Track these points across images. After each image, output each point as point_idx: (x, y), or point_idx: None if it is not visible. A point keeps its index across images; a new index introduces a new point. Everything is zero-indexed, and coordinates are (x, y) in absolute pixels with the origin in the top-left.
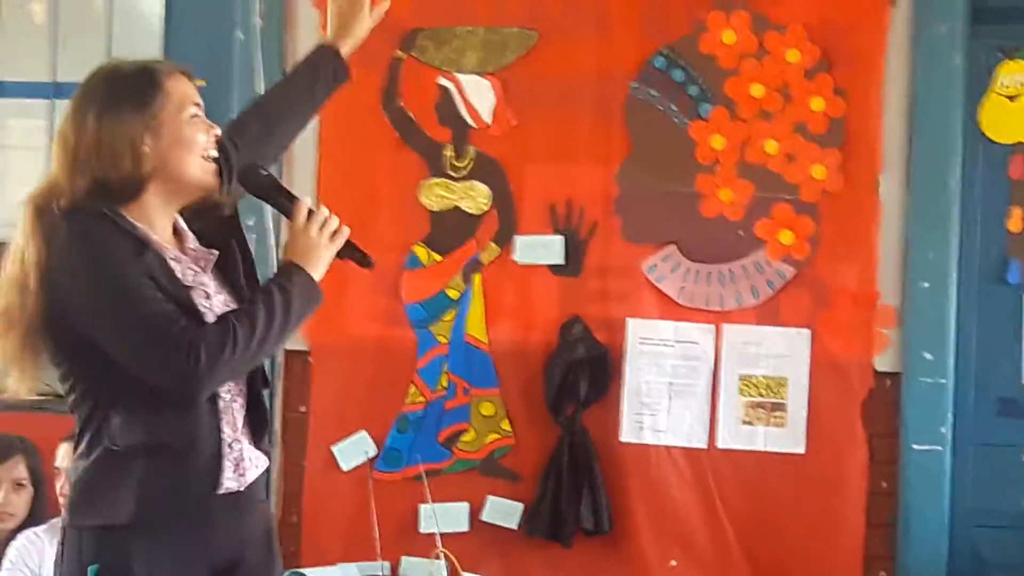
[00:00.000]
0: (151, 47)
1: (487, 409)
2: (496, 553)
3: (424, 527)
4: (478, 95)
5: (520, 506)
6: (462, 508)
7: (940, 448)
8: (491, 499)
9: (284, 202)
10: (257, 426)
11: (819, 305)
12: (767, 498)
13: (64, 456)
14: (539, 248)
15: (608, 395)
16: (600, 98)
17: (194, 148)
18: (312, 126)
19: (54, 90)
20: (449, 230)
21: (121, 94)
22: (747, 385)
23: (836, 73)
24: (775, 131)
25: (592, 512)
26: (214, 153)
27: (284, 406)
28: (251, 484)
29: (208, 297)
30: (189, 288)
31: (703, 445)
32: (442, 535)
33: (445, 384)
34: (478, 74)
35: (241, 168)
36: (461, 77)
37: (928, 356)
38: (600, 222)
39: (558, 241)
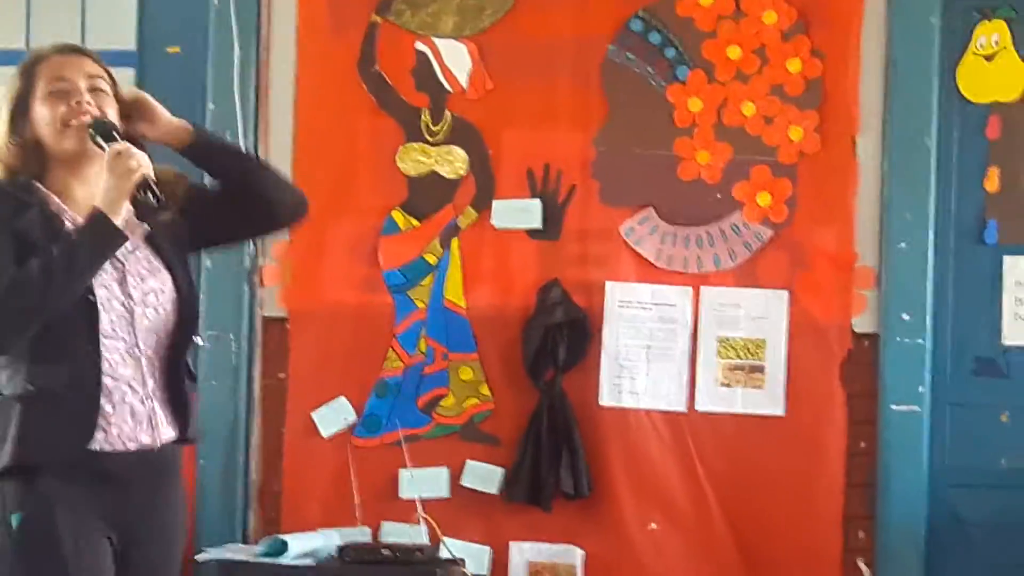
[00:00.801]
0: (126, 13)
1: (466, 374)
2: (476, 517)
3: (404, 492)
4: (454, 59)
5: (500, 471)
6: (442, 473)
7: (918, 408)
8: (470, 464)
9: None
10: (173, 395)
11: (797, 267)
12: (747, 460)
13: None
14: (517, 212)
15: (587, 359)
16: (577, 61)
17: (50, 124)
18: (288, 92)
19: None
20: (426, 195)
21: (7, 89)
22: (725, 347)
23: (813, 34)
24: (752, 93)
25: (572, 476)
26: (85, 120)
27: (263, 373)
28: (167, 448)
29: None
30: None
31: (682, 408)
32: (422, 500)
33: (424, 349)
34: (454, 38)
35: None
36: (438, 41)
37: (906, 317)
38: (578, 186)
39: (536, 205)
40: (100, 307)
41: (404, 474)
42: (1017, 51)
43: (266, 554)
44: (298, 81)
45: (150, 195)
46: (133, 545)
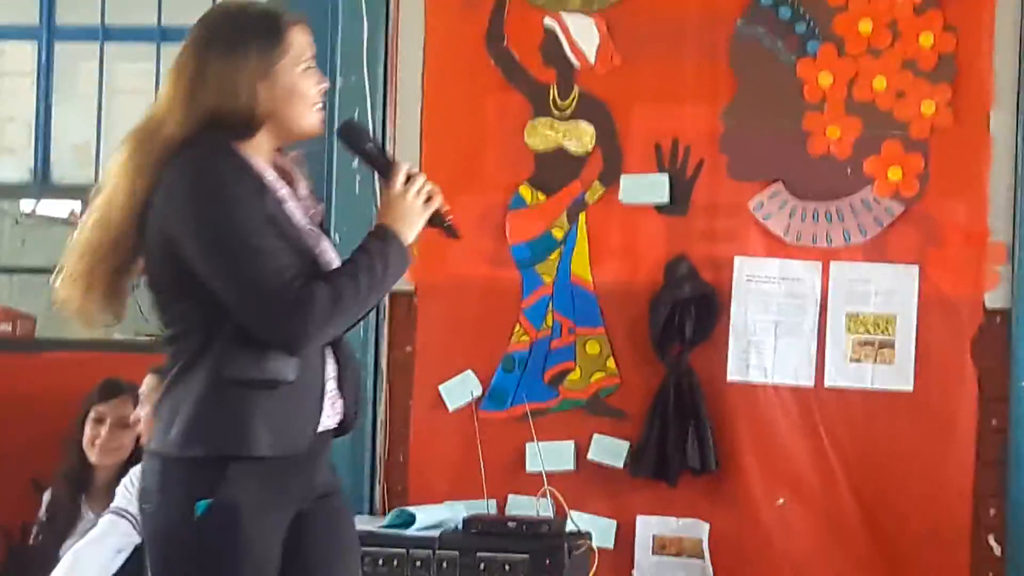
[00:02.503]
0: None
1: (592, 348)
2: (602, 491)
3: (530, 466)
4: (582, 34)
5: (626, 445)
6: (568, 447)
7: None
8: (597, 438)
9: (383, 162)
10: (342, 378)
11: (928, 242)
12: (875, 436)
13: (149, 385)
14: (644, 187)
15: (714, 334)
16: (705, 36)
17: (305, 99)
18: (417, 68)
19: (161, 34)
20: (554, 170)
21: (246, 35)
22: (854, 323)
23: (946, 8)
24: (884, 67)
25: (698, 451)
26: (320, 104)
27: (390, 346)
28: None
29: (320, 241)
30: (302, 231)
31: (810, 383)
32: (548, 474)
33: (550, 324)
34: (582, 13)
35: (344, 122)
36: (565, 17)
37: None
38: (706, 160)
39: (663, 180)
40: None
41: (530, 448)
42: None
43: (393, 525)
44: (426, 57)
45: (449, 228)
46: (313, 506)
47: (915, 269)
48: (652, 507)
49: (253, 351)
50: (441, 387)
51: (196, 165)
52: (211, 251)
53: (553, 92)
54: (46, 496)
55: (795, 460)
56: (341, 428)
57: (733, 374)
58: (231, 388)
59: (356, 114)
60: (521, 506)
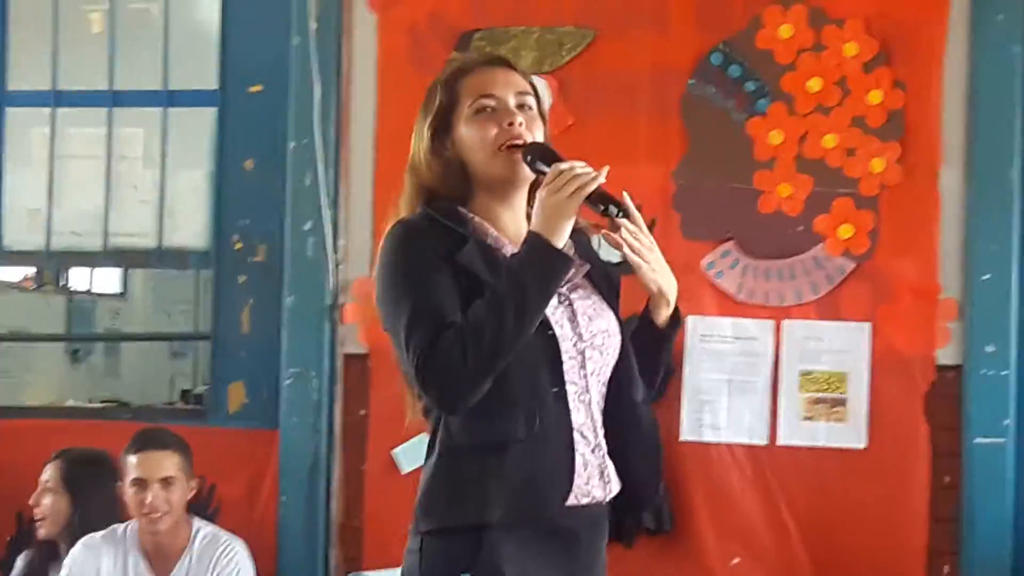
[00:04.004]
0: (208, 54)
1: None
2: None
3: None
4: None
5: None
6: None
7: (1003, 440)
8: None
9: (545, 164)
10: (621, 439)
11: (880, 299)
12: (829, 494)
13: (125, 463)
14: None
15: (668, 393)
16: (657, 95)
17: (476, 144)
18: (369, 129)
19: (112, 99)
20: None
21: (426, 101)
22: (807, 381)
23: (895, 65)
24: (833, 125)
25: (653, 511)
26: (517, 142)
27: (344, 410)
28: (607, 503)
29: (560, 299)
30: None
31: (764, 442)
32: None
33: None
34: (534, 73)
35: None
36: None
37: (990, 348)
38: (659, 219)
39: None
40: (561, 346)
41: None
42: None
43: None
44: (379, 118)
45: (611, 207)
46: None
47: (867, 326)
48: (608, 569)
49: (476, 413)
50: (393, 451)
51: (383, 246)
52: (384, 319)
53: None
54: (19, 563)
55: (749, 519)
56: (628, 502)
57: (687, 433)
58: (461, 454)
59: (307, 177)
60: None
